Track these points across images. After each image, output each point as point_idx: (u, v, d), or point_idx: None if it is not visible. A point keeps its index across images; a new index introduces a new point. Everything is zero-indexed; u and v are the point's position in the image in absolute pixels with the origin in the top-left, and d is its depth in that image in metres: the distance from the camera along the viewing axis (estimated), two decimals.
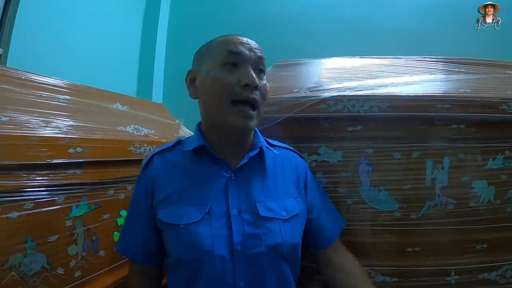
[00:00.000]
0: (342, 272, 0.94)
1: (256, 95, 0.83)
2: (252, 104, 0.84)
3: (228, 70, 0.84)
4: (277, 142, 1.01)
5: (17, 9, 2.29)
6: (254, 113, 0.84)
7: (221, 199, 0.85)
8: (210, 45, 0.91)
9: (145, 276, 0.95)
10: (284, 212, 0.87)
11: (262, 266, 0.82)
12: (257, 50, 0.87)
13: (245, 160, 0.88)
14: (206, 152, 0.89)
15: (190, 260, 0.82)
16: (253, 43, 0.88)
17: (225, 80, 0.83)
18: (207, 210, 0.83)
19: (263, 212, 0.84)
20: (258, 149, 0.90)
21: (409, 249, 1.06)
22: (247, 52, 0.85)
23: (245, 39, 0.88)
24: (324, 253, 0.97)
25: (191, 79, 0.94)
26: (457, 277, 1.04)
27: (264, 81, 0.89)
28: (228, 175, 0.87)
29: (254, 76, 0.83)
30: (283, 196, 0.90)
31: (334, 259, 0.96)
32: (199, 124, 0.96)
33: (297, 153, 1.02)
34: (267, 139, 0.99)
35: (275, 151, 0.96)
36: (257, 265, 0.81)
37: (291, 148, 1.02)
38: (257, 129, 0.96)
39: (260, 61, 0.87)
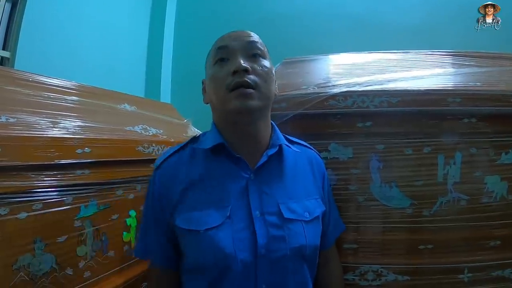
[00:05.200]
0: (327, 282, 0.98)
1: (249, 78, 0.80)
2: (248, 86, 0.80)
3: (219, 66, 0.84)
4: (296, 138, 0.98)
5: (24, 12, 2.31)
6: (252, 91, 0.80)
7: (242, 201, 0.82)
8: (210, 50, 0.91)
9: (167, 280, 0.91)
10: (306, 214, 0.85)
11: (284, 268, 0.80)
12: (246, 37, 0.86)
13: (264, 159, 0.84)
14: (224, 151, 0.85)
15: (211, 265, 0.78)
16: (242, 32, 0.88)
17: (219, 75, 0.83)
18: (228, 214, 0.80)
19: (286, 214, 0.82)
20: (278, 147, 0.87)
21: (422, 247, 1.04)
22: (233, 43, 0.84)
23: (233, 32, 0.88)
24: (320, 255, 0.94)
25: (204, 88, 0.94)
26: (470, 274, 1.02)
27: (263, 63, 0.85)
28: (247, 176, 0.84)
29: (242, 61, 0.80)
30: (303, 197, 0.88)
31: (326, 264, 0.98)
32: (214, 123, 0.92)
33: (316, 152, 1.00)
34: (286, 136, 0.96)
35: (295, 149, 0.94)
36: (280, 268, 0.80)
37: (309, 146, 1.00)
38: (275, 126, 0.93)
39: (251, 45, 0.85)
